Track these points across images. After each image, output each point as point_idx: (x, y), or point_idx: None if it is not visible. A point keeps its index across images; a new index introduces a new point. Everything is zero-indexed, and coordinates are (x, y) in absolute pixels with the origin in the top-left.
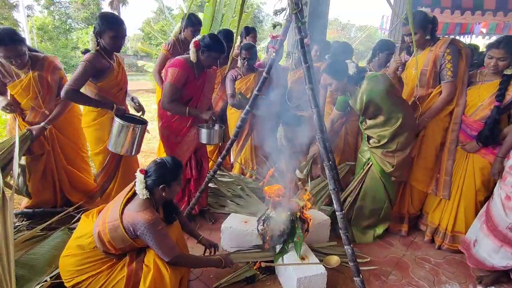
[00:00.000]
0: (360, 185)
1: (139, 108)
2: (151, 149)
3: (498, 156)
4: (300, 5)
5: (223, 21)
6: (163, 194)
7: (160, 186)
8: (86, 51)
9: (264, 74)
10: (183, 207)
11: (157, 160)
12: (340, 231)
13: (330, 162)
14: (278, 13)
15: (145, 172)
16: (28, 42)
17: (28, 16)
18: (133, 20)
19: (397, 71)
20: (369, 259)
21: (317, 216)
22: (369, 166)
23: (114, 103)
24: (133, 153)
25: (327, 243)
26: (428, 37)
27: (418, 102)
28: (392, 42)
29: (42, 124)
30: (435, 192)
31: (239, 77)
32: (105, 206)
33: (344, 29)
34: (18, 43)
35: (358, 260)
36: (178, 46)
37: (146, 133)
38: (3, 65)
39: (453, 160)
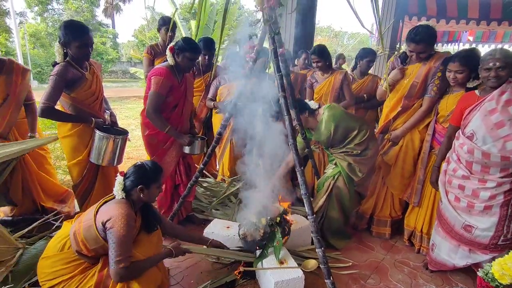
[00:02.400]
0: (325, 198)
1: (113, 124)
2: (141, 156)
3: (434, 165)
4: (273, 17)
5: (215, 29)
6: (141, 196)
7: (138, 187)
8: (55, 63)
9: (243, 81)
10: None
11: (137, 162)
12: (312, 234)
13: (302, 168)
14: (253, 24)
15: (125, 174)
16: (20, 49)
17: (20, 23)
18: (127, 27)
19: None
20: (350, 263)
21: (299, 221)
22: (336, 178)
23: (92, 117)
24: (115, 163)
25: (309, 246)
26: (433, 52)
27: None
28: (373, 50)
29: (29, 135)
30: (408, 199)
31: (222, 82)
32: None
33: (336, 37)
34: None
35: (339, 265)
36: (157, 48)
37: (128, 141)
38: None
39: (425, 168)
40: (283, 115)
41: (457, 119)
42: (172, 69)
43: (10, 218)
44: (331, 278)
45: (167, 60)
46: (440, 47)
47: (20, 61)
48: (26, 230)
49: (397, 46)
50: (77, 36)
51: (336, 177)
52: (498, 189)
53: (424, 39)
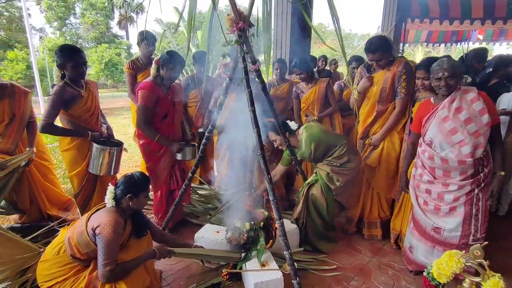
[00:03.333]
0: (302, 205)
1: (109, 136)
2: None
3: (402, 172)
4: (242, 37)
5: (220, 39)
6: (131, 204)
7: (128, 196)
8: (54, 85)
9: (221, 96)
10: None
11: (127, 174)
12: (280, 238)
13: (270, 176)
14: (226, 45)
15: (115, 184)
16: (35, 63)
17: (40, 38)
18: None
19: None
20: (335, 266)
21: (286, 225)
22: (311, 186)
23: (89, 130)
24: (111, 173)
25: (295, 249)
26: (391, 58)
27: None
28: (359, 57)
29: (27, 149)
30: (395, 196)
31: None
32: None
33: (346, 39)
34: None
35: (324, 267)
36: (138, 62)
37: (124, 152)
38: None
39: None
40: (252, 128)
41: (418, 126)
42: (156, 81)
43: (19, 225)
44: (297, 279)
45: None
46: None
47: (35, 74)
48: (33, 236)
49: (400, 48)
50: (70, 57)
51: (310, 184)
52: (460, 191)
53: (378, 48)
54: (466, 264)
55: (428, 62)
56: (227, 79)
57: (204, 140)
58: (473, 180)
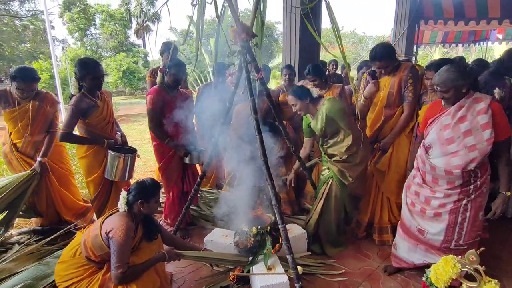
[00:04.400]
0: (322, 202)
1: (123, 144)
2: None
3: (408, 169)
4: (245, 48)
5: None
6: (142, 209)
7: (139, 201)
8: (72, 95)
9: (227, 104)
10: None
11: (139, 180)
12: (283, 242)
13: (272, 181)
14: (231, 55)
15: (128, 190)
16: (57, 73)
17: (63, 48)
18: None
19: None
20: (343, 270)
21: (294, 230)
22: (329, 183)
23: (105, 138)
24: (125, 179)
25: (303, 253)
26: (396, 63)
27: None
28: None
29: (38, 159)
30: None
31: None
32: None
33: (361, 42)
34: (35, 81)
35: (332, 272)
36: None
37: (138, 158)
38: (11, 94)
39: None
40: (255, 134)
41: (424, 127)
42: (162, 87)
43: (40, 228)
44: (300, 282)
45: None
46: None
47: (57, 83)
48: (51, 237)
49: (414, 50)
50: (90, 70)
51: (329, 182)
52: (446, 199)
53: (383, 57)
54: (463, 269)
55: (438, 63)
56: (232, 87)
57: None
58: (461, 190)
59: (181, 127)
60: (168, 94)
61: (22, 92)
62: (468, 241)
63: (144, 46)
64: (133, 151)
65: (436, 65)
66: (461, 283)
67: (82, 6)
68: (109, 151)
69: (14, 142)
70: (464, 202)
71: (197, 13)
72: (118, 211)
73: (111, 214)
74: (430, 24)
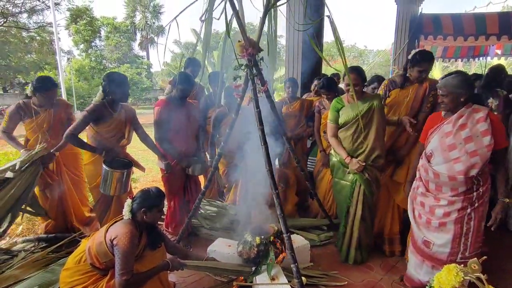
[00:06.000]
0: (355, 208)
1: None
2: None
3: (408, 180)
4: (252, 61)
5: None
6: (145, 218)
7: (142, 210)
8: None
9: (233, 115)
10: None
11: (144, 189)
12: (287, 251)
13: (277, 191)
14: (238, 68)
15: (133, 198)
16: (63, 83)
17: (68, 59)
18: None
19: None
20: (346, 282)
21: (297, 240)
22: (359, 187)
23: (104, 149)
24: (121, 193)
25: (306, 264)
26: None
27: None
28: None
29: (51, 151)
30: None
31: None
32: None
33: (361, 56)
34: (55, 87)
35: (334, 283)
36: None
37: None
38: (28, 105)
39: None
40: (260, 144)
41: (424, 137)
42: (170, 98)
43: (45, 236)
44: None
45: None
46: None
47: (63, 93)
48: (57, 245)
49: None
50: (120, 86)
51: (359, 184)
52: (451, 207)
53: (432, 59)
54: (465, 277)
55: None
56: (238, 99)
57: (216, 156)
58: (464, 198)
59: (186, 138)
60: (175, 106)
61: (44, 102)
62: (473, 253)
63: (148, 58)
64: (129, 166)
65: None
66: None
67: (89, 18)
68: (104, 166)
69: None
70: (468, 211)
71: (204, 29)
72: (122, 218)
73: (115, 222)
74: (429, 39)
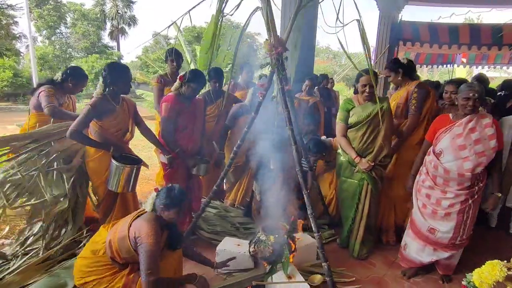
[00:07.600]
0: (363, 205)
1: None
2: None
3: (411, 174)
4: (280, 60)
5: (218, 54)
6: (163, 215)
7: (161, 206)
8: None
9: (253, 114)
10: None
11: (170, 185)
12: (318, 250)
13: (308, 191)
14: (263, 66)
15: (158, 191)
16: (36, 71)
17: (27, 46)
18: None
19: None
20: (354, 278)
21: (305, 239)
22: (367, 185)
23: (111, 145)
24: (129, 190)
25: (313, 262)
26: (399, 78)
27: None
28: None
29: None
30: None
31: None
32: (120, 220)
33: (335, 57)
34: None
35: (344, 279)
36: (166, 77)
37: (145, 167)
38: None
39: None
40: (291, 145)
41: (432, 136)
42: (179, 94)
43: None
44: None
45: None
46: (436, 69)
47: (34, 82)
48: (61, 245)
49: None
50: (123, 76)
51: (367, 183)
52: (456, 199)
53: (388, 67)
54: (508, 273)
55: (458, 80)
56: (260, 97)
57: (232, 155)
58: (468, 191)
59: (193, 136)
60: (184, 103)
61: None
62: (468, 235)
63: (119, 49)
64: (138, 162)
65: (456, 82)
66: (505, 286)
67: (53, 3)
68: (112, 161)
69: None
70: (469, 202)
71: (213, 26)
72: (145, 212)
73: (139, 216)
74: (408, 46)
